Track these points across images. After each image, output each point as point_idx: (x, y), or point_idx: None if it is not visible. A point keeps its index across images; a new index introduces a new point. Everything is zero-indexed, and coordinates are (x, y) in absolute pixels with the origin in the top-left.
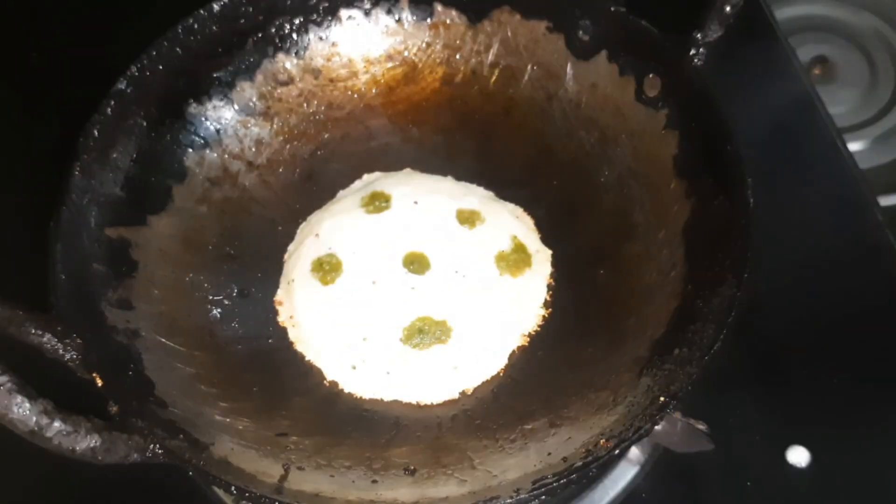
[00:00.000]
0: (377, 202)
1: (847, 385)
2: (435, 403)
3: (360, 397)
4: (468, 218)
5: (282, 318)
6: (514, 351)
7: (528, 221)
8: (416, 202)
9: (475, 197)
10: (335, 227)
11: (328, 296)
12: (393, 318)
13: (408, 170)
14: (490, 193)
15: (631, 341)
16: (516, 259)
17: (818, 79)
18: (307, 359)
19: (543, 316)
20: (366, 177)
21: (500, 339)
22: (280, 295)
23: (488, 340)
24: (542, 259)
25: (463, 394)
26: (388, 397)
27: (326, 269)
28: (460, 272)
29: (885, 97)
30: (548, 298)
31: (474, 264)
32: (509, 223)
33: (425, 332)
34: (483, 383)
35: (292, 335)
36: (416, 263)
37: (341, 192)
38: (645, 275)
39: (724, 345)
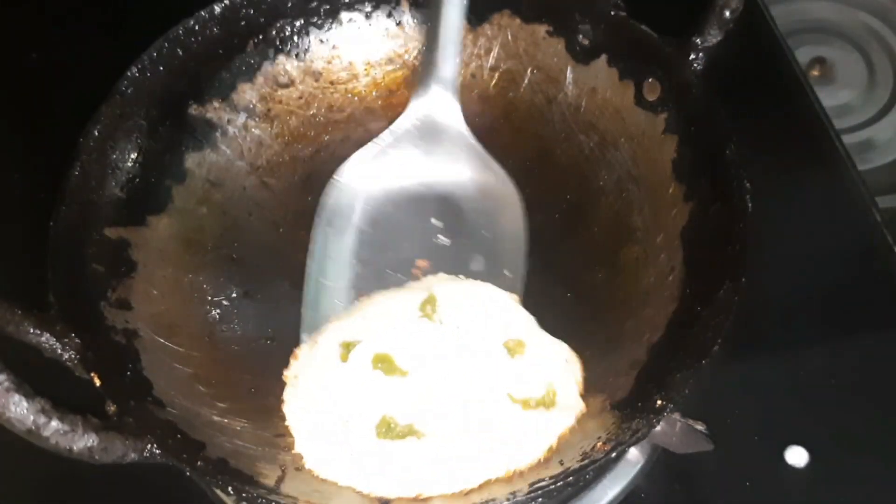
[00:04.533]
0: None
1: (846, 385)
2: None
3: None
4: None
5: (287, 374)
6: None
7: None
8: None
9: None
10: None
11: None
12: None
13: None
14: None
15: (628, 344)
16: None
17: (817, 80)
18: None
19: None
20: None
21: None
22: (303, 349)
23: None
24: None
25: None
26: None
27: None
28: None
29: (883, 98)
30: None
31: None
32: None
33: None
34: None
35: (287, 394)
36: None
37: None
38: (643, 278)
39: (723, 345)
